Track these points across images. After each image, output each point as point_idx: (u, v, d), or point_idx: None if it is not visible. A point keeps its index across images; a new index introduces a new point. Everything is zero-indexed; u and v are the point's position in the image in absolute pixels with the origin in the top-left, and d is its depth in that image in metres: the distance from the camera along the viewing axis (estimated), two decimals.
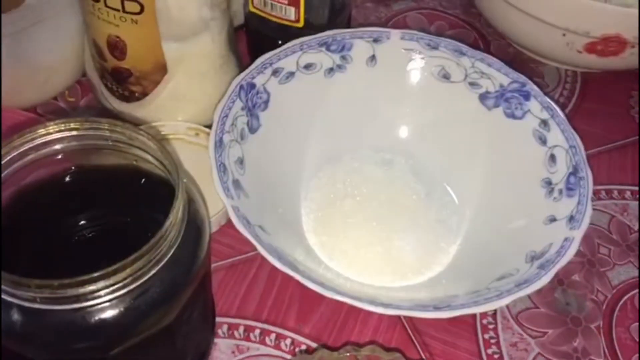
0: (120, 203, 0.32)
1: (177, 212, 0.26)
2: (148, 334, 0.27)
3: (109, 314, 0.25)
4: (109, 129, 0.29)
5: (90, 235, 0.31)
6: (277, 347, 0.36)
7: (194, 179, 0.33)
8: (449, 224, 0.41)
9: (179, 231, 0.27)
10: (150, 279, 0.26)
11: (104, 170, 0.31)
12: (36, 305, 0.24)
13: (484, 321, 0.38)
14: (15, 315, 0.24)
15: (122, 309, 0.25)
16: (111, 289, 0.24)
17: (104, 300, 0.25)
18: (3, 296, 0.24)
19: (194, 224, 0.29)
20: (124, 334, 0.26)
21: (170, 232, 0.26)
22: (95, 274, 0.24)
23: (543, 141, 0.40)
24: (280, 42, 0.43)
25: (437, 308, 0.31)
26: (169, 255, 0.26)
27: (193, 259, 0.28)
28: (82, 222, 0.31)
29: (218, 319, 0.36)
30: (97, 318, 0.25)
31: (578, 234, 0.34)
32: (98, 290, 0.24)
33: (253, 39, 0.48)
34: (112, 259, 0.25)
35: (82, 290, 0.24)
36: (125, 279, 0.25)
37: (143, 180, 0.31)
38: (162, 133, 0.43)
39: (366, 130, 0.44)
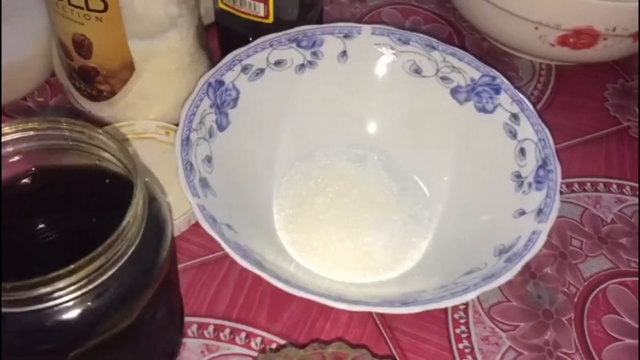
0: (84, 203, 0.31)
1: (136, 210, 0.26)
2: (108, 335, 0.26)
3: (67, 315, 0.25)
4: (67, 128, 0.29)
5: (53, 237, 0.31)
6: (247, 346, 0.36)
7: (157, 178, 0.33)
8: (421, 219, 0.41)
9: (138, 230, 0.26)
10: (108, 279, 0.25)
11: (65, 170, 0.31)
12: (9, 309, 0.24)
13: (456, 315, 0.38)
14: None
15: (80, 310, 0.25)
16: (68, 289, 0.24)
17: (62, 302, 0.24)
18: None
19: (155, 223, 0.28)
20: (84, 335, 0.26)
21: (128, 231, 0.26)
22: (52, 275, 0.23)
23: (513, 135, 0.40)
24: (250, 38, 0.43)
25: (404, 304, 0.31)
26: (128, 254, 0.26)
27: (154, 259, 0.28)
28: (45, 223, 0.31)
29: (187, 319, 0.36)
30: (54, 319, 0.25)
31: (545, 227, 0.34)
32: (55, 292, 0.24)
33: (224, 36, 0.48)
34: (75, 260, 0.24)
35: (37, 292, 0.24)
36: (82, 279, 0.24)
37: (107, 180, 0.31)
38: (132, 132, 0.43)
39: (338, 126, 0.44)
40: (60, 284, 0.24)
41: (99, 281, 0.25)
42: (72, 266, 0.24)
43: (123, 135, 0.41)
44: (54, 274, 0.24)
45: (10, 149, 0.29)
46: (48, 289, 0.24)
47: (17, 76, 0.45)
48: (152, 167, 0.38)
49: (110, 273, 0.25)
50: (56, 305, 0.24)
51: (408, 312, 0.31)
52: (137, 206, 0.26)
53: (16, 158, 0.29)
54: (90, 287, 0.25)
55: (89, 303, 0.25)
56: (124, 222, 0.25)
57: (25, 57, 0.45)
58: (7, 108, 0.46)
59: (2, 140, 0.28)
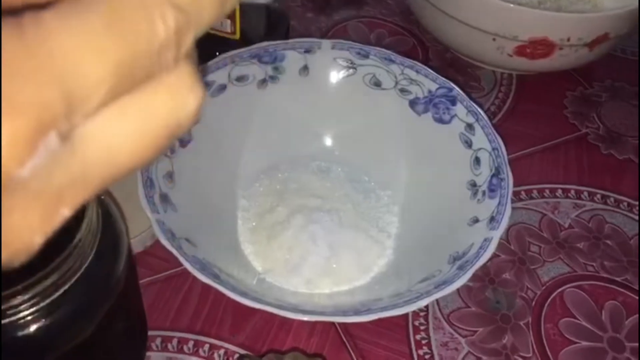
0: None
1: (89, 226, 0.27)
2: (64, 349, 0.27)
3: (23, 331, 0.25)
4: None
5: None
6: (210, 358, 0.36)
7: (113, 196, 0.34)
8: (384, 229, 0.42)
9: (91, 245, 0.27)
10: (63, 295, 0.26)
11: None
12: None
13: (416, 322, 0.39)
14: None
15: (35, 326, 0.26)
16: (23, 306, 0.25)
17: (17, 318, 0.25)
18: None
19: (110, 239, 0.29)
20: (39, 352, 0.26)
21: (81, 246, 0.26)
22: (5, 292, 0.24)
23: (469, 144, 0.41)
24: (217, 54, 0.44)
25: (357, 313, 0.32)
26: (82, 270, 0.26)
27: (109, 274, 0.28)
28: None
29: (151, 333, 0.37)
30: (9, 336, 0.25)
31: (496, 234, 0.35)
32: (9, 309, 0.24)
33: None
34: (28, 277, 0.25)
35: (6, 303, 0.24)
36: (37, 295, 0.25)
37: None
38: None
39: (301, 139, 0.45)
40: (15, 301, 0.25)
41: (54, 297, 0.26)
42: (25, 283, 0.24)
43: None
44: (7, 291, 0.24)
45: None
46: (4, 306, 0.24)
47: None
48: (116, 183, 0.38)
49: (64, 288, 0.26)
50: (11, 322, 0.25)
51: (360, 320, 0.31)
52: (89, 222, 0.26)
53: None
54: (45, 302, 0.25)
55: (44, 319, 0.26)
56: (77, 238, 0.26)
57: None
58: None
59: None
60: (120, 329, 0.31)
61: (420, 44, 0.58)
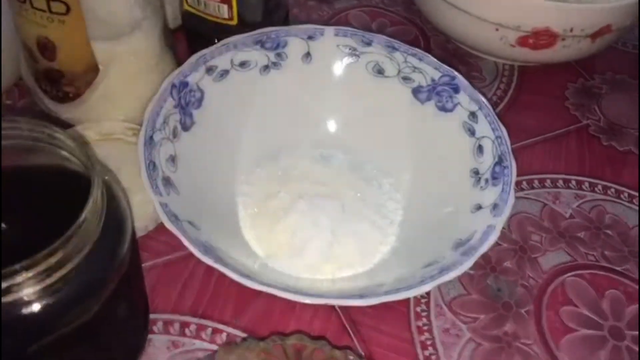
0: (46, 203, 0.32)
1: (94, 206, 0.26)
2: (68, 329, 0.27)
3: (26, 309, 0.25)
4: (27, 128, 0.29)
5: (15, 236, 0.31)
6: (212, 341, 0.36)
7: (116, 176, 0.34)
8: (386, 216, 0.42)
9: (96, 225, 0.27)
10: (67, 274, 0.26)
11: (27, 170, 0.31)
12: None
13: (418, 309, 0.39)
14: None
15: (39, 304, 0.25)
16: (26, 284, 0.25)
17: (20, 296, 0.25)
18: None
19: (114, 219, 0.29)
20: (42, 330, 0.26)
21: (86, 226, 0.26)
22: (9, 269, 0.24)
23: (472, 132, 0.41)
24: (216, 40, 0.44)
25: (361, 296, 0.32)
26: (86, 250, 0.26)
27: (113, 255, 0.28)
28: (5, 223, 0.31)
29: (153, 316, 0.37)
30: (12, 314, 0.25)
31: (500, 221, 0.35)
32: (13, 286, 0.24)
33: (191, 38, 0.48)
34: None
35: (9, 282, 0.24)
36: (40, 273, 0.25)
37: (68, 179, 0.31)
38: (100, 133, 0.43)
39: (303, 126, 0.45)
40: (19, 278, 0.24)
41: (57, 276, 0.25)
42: (29, 260, 0.24)
43: (84, 136, 0.41)
44: (11, 268, 0.24)
45: None
46: (6, 283, 0.24)
47: None
48: (120, 167, 0.38)
49: (68, 268, 0.26)
50: (14, 300, 0.25)
51: (364, 304, 0.31)
52: (95, 201, 0.26)
53: None
54: (49, 281, 0.25)
55: (48, 297, 0.26)
56: (82, 217, 0.26)
57: None
58: None
59: None
60: (123, 311, 0.31)
61: (422, 34, 0.58)
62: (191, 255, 0.39)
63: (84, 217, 0.26)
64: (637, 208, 0.46)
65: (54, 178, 0.31)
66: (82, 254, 0.26)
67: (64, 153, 0.29)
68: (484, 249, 0.33)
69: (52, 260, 0.25)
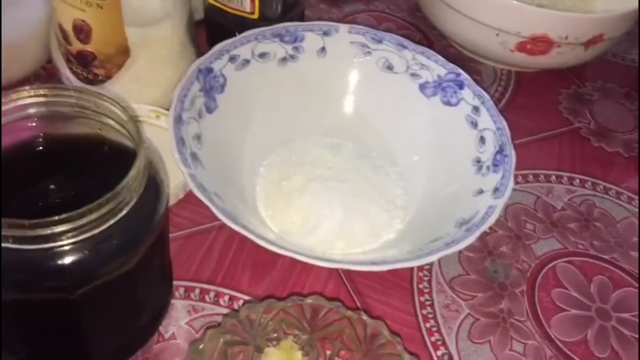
0: (85, 169, 0.34)
1: (139, 166, 0.29)
2: (110, 278, 0.29)
3: (74, 255, 0.28)
4: (75, 95, 0.32)
5: (56, 202, 0.34)
6: (230, 307, 0.39)
7: (155, 148, 0.36)
8: (392, 201, 0.45)
9: (140, 183, 0.29)
10: (113, 225, 0.28)
11: (70, 138, 0.34)
12: (9, 245, 0.26)
13: (420, 285, 0.42)
14: None
15: (86, 251, 0.28)
16: (78, 231, 0.27)
17: (71, 242, 0.27)
18: None
19: (154, 182, 0.31)
20: (88, 276, 0.29)
21: (132, 183, 0.29)
22: (64, 216, 0.26)
23: (474, 125, 0.44)
24: (237, 33, 0.47)
25: (373, 263, 0.35)
26: (131, 204, 0.29)
27: (153, 212, 0.31)
28: (53, 186, 0.34)
29: (175, 283, 0.39)
30: (63, 259, 0.28)
31: (500, 202, 0.38)
32: (66, 232, 0.27)
33: (212, 30, 0.51)
34: None
35: (50, 230, 0.26)
36: (91, 222, 0.27)
37: (106, 147, 0.34)
38: None
39: (316, 115, 0.48)
40: (71, 225, 0.27)
41: (105, 226, 0.28)
42: (82, 209, 0.27)
43: (128, 104, 0.44)
44: (67, 214, 0.26)
45: (20, 113, 0.32)
46: (61, 229, 0.27)
47: (13, 61, 0.47)
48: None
49: (115, 219, 0.28)
50: (65, 244, 0.27)
51: (377, 269, 0.34)
52: (141, 159, 0.29)
53: (28, 124, 0.32)
54: (97, 230, 0.28)
55: (95, 246, 0.28)
56: (131, 173, 0.28)
57: (23, 43, 0.47)
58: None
59: (17, 104, 0.31)
60: (155, 268, 0.34)
61: (426, 39, 0.62)
62: (210, 229, 0.42)
63: (133, 173, 0.28)
64: (623, 203, 0.49)
65: (94, 147, 0.34)
66: (127, 208, 0.29)
67: (109, 121, 0.32)
68: (486, 225, 0.36)
69: (101, 211, 0.28)
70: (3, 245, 0.26)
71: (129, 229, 0.29)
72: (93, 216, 0.27)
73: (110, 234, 0.28)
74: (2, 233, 0.26)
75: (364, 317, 0.33)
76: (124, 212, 0.29)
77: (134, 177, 0.29)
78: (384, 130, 0.48)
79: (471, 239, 0.36)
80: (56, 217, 0.26)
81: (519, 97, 0.57)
